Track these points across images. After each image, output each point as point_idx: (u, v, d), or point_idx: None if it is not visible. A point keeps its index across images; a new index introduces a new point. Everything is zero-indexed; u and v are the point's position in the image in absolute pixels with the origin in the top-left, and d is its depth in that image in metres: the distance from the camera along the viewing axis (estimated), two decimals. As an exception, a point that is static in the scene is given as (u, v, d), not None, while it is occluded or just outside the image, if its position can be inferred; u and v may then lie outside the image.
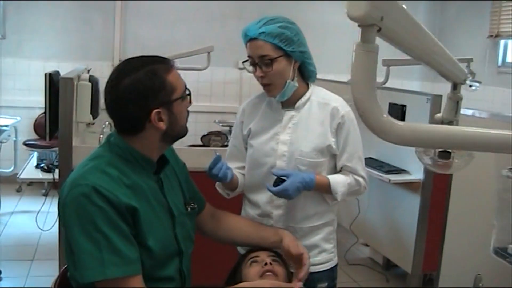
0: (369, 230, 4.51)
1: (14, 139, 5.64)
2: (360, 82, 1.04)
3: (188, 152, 3.57)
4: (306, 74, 2.19)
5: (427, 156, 1.76)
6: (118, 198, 1.57)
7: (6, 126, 5.00)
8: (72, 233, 1.55)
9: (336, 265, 2.27)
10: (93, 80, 3.60)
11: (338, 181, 2.12)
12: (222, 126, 6.20)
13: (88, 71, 5.87)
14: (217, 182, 2.22)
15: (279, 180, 2.04)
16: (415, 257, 3.97)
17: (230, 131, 6.25)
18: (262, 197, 2.19)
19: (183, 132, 1.78)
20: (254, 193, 2.23)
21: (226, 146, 4.66)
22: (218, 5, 6.46)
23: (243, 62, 2.14)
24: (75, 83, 3.40)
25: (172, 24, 6.40)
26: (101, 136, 3.50)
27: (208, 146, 4.48)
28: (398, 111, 4.08)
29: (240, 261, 1.98)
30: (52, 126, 3.25)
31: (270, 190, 2.05)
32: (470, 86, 1.77)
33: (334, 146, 2.14)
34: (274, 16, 2.08)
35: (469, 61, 4.46)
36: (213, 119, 6.29)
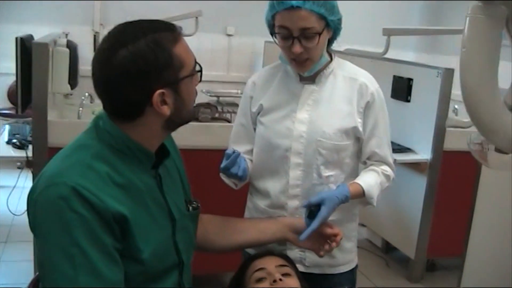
0: (369, 210, 4.24)
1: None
2: (475, 62, 0.72)
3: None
4: (331, 42, 1.88)
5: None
6: (104, 203, 1.24)
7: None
8: (44, 243, 1.23)
9: (356, 266, 2.00)
10: (71, 46, 3.27)
11: (371, 184, 1.84)
12: (210, 96, 5.88)
13: (66, 35, 5.56)
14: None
15: (311, 210, 1.73)
16: (419, 241, 3.73)
17: (218, 102, 5.99)
18: (274, 185, 1.89)
19: (189, 118, 1.43)
20: (264, 181, 1.92)
21: (216, 119, 4.38)
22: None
23: (272, 34, 1.81)
24: (51, 49, 3.05)
25: (157, -15, 5.99)
26: (81, 109, 3.17)
27: (197, 119, 4.14)
28: (404, 85, 3.80)
29: (243, 269, 1.69)
30: (24, 96, 2.90)
31: (310, 233, 1.71)
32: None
33: (360, 129, 1.84)
34: None
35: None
36: (200, 89, 5.96)
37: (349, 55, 4.59)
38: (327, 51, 1.87)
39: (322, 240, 1.73)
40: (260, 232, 1.77)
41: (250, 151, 1.96)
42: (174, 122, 1.39)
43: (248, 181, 1.96)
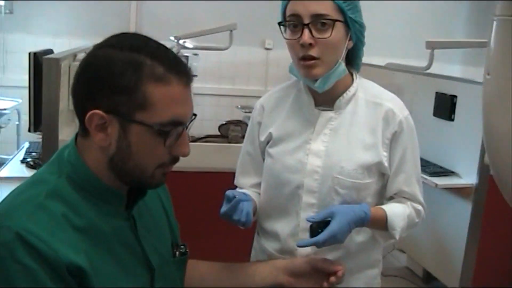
0: (409, 236, 3.94)
1: (17, 123, 5.13)
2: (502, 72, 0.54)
3: (197, 148, 3.07)
4: (354, 61, 1.63)
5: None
6: (56, 252, 1.03)
7: (5, 109, 4.53)
8: None
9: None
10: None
11: (397, 213, 1.58)
12: (245, 112, 5.69)
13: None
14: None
15: (318, 226, 1.47)
16: (463, 272, 3.41)
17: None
18: (284, 227, 1.65)
19: (144, 178, 1.17)
20: (272, 221, 1.68)
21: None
22: (244, -21, 5.91)
23: (280, 23, 1.57)
24: (68, 64, 2.90)
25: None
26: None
27: (227, 137, 3.95)
28: (447, 103, 3.51)
29: None
30: (38, 114, 2.76)
31: (311, 244, 1.48)
32: None
33: (386, 164, 1.58)
34: None
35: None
36: (236, 104, 5.78)
37: (390, 70, 4.34)
38: (349, 71, 1.62)
39: (322, 279, 1.44)
40: (247, 277, 1.48)
41: (258, 184, 1.72)
42: (120, 169, 1.15)
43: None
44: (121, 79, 1.08)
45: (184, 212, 2.63)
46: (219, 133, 4.27)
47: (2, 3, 5.38)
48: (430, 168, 3.48)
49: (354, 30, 1.55)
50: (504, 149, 0.66)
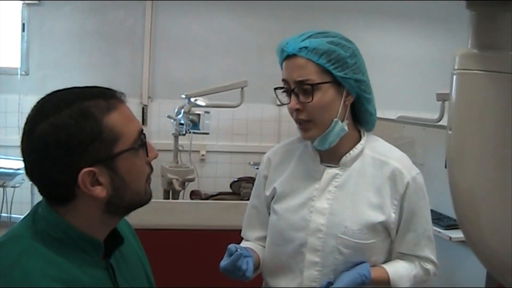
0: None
1: (31, 182, 5.14)
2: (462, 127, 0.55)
3: (209, 206, 3.07)
4: (361, 116, 1.61)
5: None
6: None
7: (19, 169, 4.56)
8: None
9: None
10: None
11: (401, 274, 1.55)
12: (257, 169, 5.67)
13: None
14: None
15: None
16: (483, 329, 3.33)
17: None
18: (287, 284, 1.61)
19: (139, 199, 1.22)
20: (276, 278, 1.65)
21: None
22: (254, 37, 6.00)
23: (275, 89, 1.57)
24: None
25: (204, 58, 5.94)
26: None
27: (238, 194, 3.96)
28: (459, 155, 3.49)
29: None
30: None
31: None
32: None
33: (392, 225, 1.55)
34: (325, 30, 1.52)
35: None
36: (249, 160, 5.79)
37: (401, 123, 4.35)
38: (355, 126, 1.62)
39: None
40: None
41: (263, 238, 1.71)
42: (118, 206, 1.18)
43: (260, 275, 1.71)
44: (83, 132, 1.12)
45: (196, 270, 2.61)
46: (231, 190, 4.28)
47: (18, 65, 5.50)
48: (444, 221, 3.44)
49: (349, 87, 1.53)
50: (466, 204, 0.66)
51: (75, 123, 1.11)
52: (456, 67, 0.83)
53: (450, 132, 0.98)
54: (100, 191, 1.15)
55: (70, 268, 1.13)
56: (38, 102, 1.18)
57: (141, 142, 1.21)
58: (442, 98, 4.26)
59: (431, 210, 3.57)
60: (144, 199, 1.24)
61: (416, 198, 1.58)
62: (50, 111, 1.13)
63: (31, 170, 1.16)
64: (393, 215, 1.56)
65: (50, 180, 1.14)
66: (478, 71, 0.84)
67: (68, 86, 1.23)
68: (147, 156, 1.23)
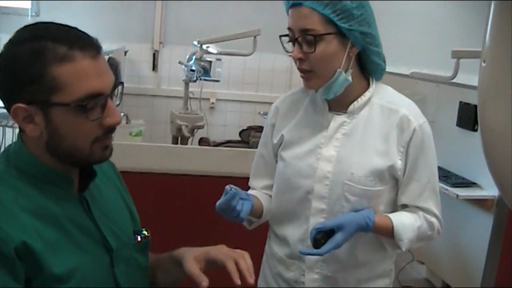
0: (428, 248, 3.90)
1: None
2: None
3: (218, 153, 3.07)
4: (368, 66, 1.59)
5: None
6: (5, 233, 1.07)
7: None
8: None
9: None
10: (112, 64, 3.11)
11: (405, 224, 1.54)
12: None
13: (125, 53, 5.52)
14: None
15: (322, 237, 1.47)
16: (484, 285, 3.35)
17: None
18: (293, 231, 1.63)
19: (80, 156, 1.20)
20: (282, 226, 1.67)
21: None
22: (269, -15, 5.91)
23: (281, 36, 1.56)
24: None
25: (218, 5, 5.85)
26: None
27: (247, 142, 3.95)
28: (471, 113, 3.46)
29: None
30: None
31: (313, 255, 1.50)
32: None
33: (399, 172, 1.55)
34: None
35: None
36: (258, 110, 5.78)
37: (414, 79, 4.31)
38: (363, 75, 1.61)
39: None
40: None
41: (270, 187, 1.72)
42: (56, 151, 1.18)
43: (266, 222, 1.72)
44: (27, 70, 1.12)
45: (203, 216, 2.63)
46: (240, 139, 4.28)
47: (29, 6, 5.45)
48: (451, 179, 3.43)
49: (354, 39, 1.51)
50: (499, 140, 0.62)
51: (25, 59, 1.12)
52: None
53: (483, 64, 0.94)
54: (32, 129, 1.16)
55: (41, 200, 1.16)
56: (23, 27, 1.20)
57: (86, 105, 1.15)
58: (457, 55, 4.19)
59: (439, 168, 3.59)
60: (89, 158, 1.21)
61: (421, 146, 1.57)
62: (17, 39, 1.16)
63: None
64: (399, 161, 1.56)
65: (3, 102, 1.18)
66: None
67: (80, 28, 1.21)
68: (89, 120, 1.17)
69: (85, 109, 1.15)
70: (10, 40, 1.17)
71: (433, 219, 1.62)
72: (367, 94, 1.60)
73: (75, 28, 1.19)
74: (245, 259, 1.26)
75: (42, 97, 1.13)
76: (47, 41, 1.13)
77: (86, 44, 1.16)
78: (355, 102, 1.60)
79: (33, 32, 1.16)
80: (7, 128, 4.58)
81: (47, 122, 1.15)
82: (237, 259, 1.26)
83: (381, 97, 1.62)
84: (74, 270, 1.16)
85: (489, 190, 3.30)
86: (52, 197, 1.18)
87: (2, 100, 1.19)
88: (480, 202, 3.33)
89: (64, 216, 1.18)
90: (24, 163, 1.19)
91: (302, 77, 1.57)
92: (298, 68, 1.56)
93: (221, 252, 1.29)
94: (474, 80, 4.42)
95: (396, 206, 1.64)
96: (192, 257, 1.28)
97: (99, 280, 1.23)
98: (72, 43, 1.14)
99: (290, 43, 1.56)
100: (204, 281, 1.20)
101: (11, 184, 1.15)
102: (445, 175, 3.48)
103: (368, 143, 1.57)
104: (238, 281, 1.21)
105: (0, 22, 4.89)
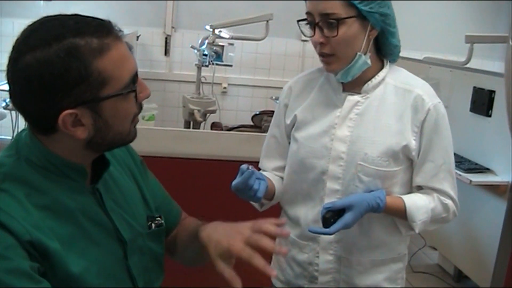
0: (441, 233, 3.90)
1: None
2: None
3: (231, 137, 3.07)
4: (384, 48, 1.58)
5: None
6: (20, 230, 1.04)
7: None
8: None
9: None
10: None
11: (418, 205, 1.54)
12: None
13: (138, 37, 5.51)
14: None
15: (332, 215, 1.46)
16: (496, 272, 3.34)
17: (288, 109, 5.75)
18: (307, 213, 1.63)
19: (122, 140, 1.19)
20: (295, 207, 1.67)
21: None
22: (282, -31, 5.86)
23: (299, 21, 1.55)
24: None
25: (230, -11, 5.84)
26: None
27: (260, 127, 3.95)
28: (485, 98, 3.44)
29: None
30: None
31: (323, 234, 1.49)
32: None
33: (414, 153, 1.54)
34: None
35: None
36: (271, 95, 5.77)
37: (428, 64, 4.27)
38: (379, 57, 1.60)
39: None
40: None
41: (281, 168, 1.72)
42: (99, 145, 1.16)
43: (277, 204, 1.71)
44: (69, 73, 1.05)
45: (216, 199, 2.64)
46: (252, 123, 4.28)
47: (42, -11, 5.45)
48: (465, 164, 3.42)
49: (374, 21, 1.51)
50: None
51: (62, 62, 1.04)
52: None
53: (511, 43, 0.90)
54: (81, 132, 1.11)
55: (54, 194, 1.13)
56: (27, 28, 1.10)
57: (132, 86, 1.14)
58: (471, 40, 4.15)
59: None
60: (126, 139, 1.21)
61: (436, 126, 1.56)
62: (37, 43, 1.05)
63: (13, 98, 1.13)
64: (413, 141, 1.55)
65: (31, 112, 1.12)
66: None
67: (91, 12, 1.16)
68: (137, 100, 1.16)
69: (133, 91, 1.14)
70: (25, 48, 1.06)
71: (448, 201, 1.61)
72: (381, 74, 1.60)
73: (77, 15, 1.13)
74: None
75: (91, 95, 1.08)
76: (74, 38, 1.05)
77: (109, 28, 1.12)
78: (369, 82, 1.59)
79: (50, 32, 1.07)
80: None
81: (96, 118, 1.11)
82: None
83: (395, 78, 1.61)
84: (89, 267, 1.14)
85: (503, 175, 3.29)
86: (65, 190, 1.15)
87: (39, 113, 1.09)
88: (493, 188, 3.31)
89: (77, 209, 1.16)
90: (35, 155, 1.14)
91: (322, 61, 1.56)
92: (318, 53, 1.55)
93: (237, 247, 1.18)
94: (488, 65, 4.40)
95: (411, 188, 1.63)
96: (218, 255, 1.19)
97: (113, 273, 1.22)
98: (99, 33, 1.09)
99: (308, 27, 1.55)
100: (238, 283, 1.16)
101: (24, 179, 1.11)
102: (459, 161, 3.46)
103: (382, 123, 1.56)
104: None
105: (13, 7, 4.89)
